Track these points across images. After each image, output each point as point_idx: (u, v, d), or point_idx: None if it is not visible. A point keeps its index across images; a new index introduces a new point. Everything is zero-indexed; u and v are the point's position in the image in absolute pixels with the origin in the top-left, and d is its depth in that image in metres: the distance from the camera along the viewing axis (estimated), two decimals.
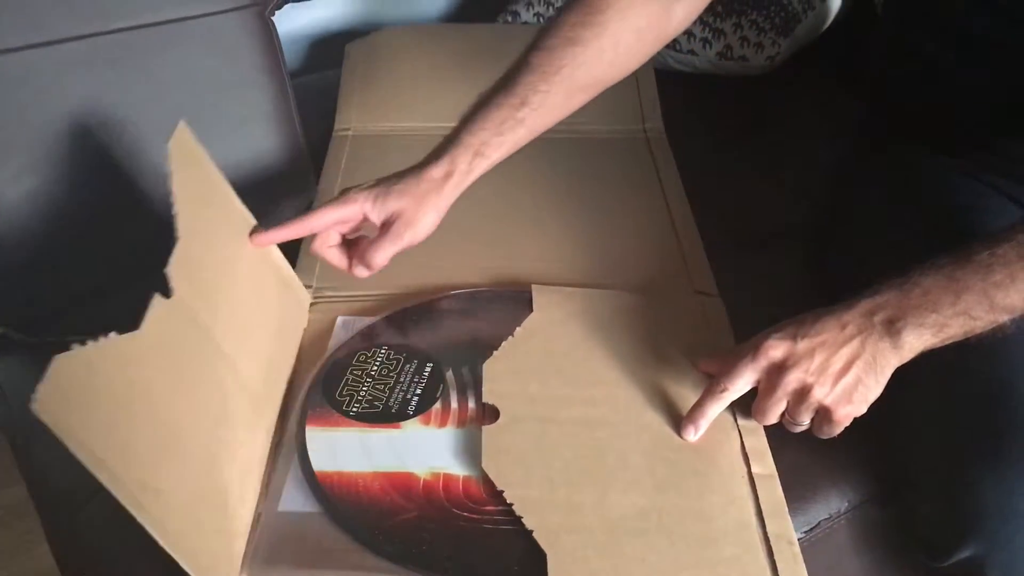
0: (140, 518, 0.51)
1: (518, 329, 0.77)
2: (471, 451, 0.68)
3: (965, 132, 0.86)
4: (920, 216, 0.84)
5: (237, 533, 0.62)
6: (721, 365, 0.70)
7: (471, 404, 0.72)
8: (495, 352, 0.75)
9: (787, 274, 0.93)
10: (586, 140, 1.08)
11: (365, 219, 0.76)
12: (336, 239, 0.78)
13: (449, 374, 0.75)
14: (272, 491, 0.66)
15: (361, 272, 0.77)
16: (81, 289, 0.82)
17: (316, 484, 0.65)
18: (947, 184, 0.86)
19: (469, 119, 0.78)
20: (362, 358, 0.76)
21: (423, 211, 0.75)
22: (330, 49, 1.27)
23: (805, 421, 0.68)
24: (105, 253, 0.89)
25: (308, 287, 0.83)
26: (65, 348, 0.48)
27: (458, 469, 0.67)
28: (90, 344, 0.49)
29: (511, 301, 0.83)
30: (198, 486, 0.58)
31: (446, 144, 0.78)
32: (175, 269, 0.60)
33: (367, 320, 0.81)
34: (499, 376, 0.73)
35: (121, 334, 0.52)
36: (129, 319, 0.53)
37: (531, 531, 0.62)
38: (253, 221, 0.75)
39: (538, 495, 0.64)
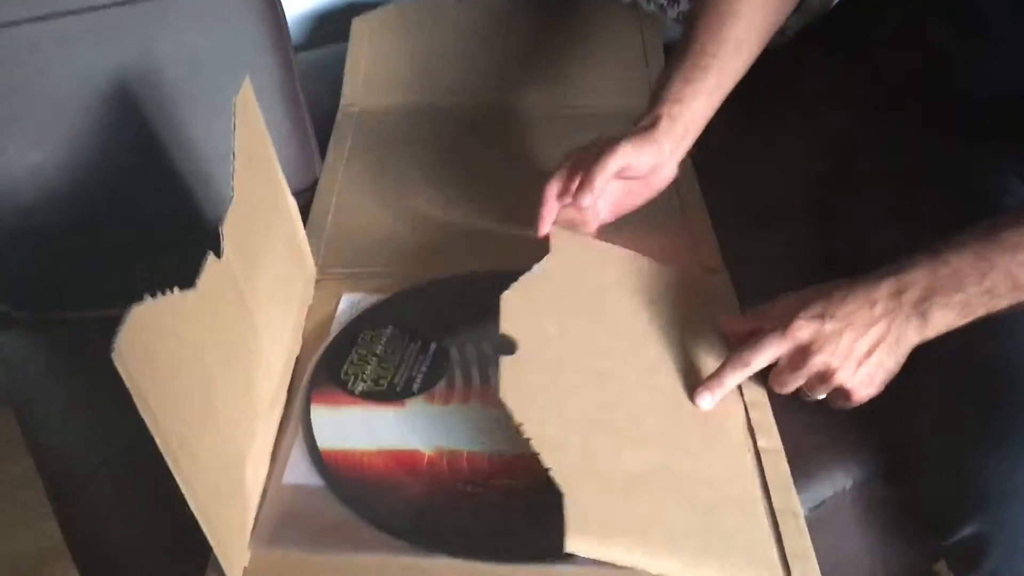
0: (177, 477, 0.51)
1: (536, 266, 0.75)
2: (475, 428, 0.68)
3: (972, 116, 0.86)
4: (926, 194, 0.83)
5: (249, 505, 0.62)
6: (746, 334, 0.70)
7: (475, 382, 0.72)
8: (512, 285, 0.72)
9: (794, 250, 0.93)
10: (594, 116, 1.07)
11: (579, 164, 0.79)
12: None
13: (454, 352, 0.74)
14: (277, 466, 0.66)
15: (583, 196, 0.76)
16: (81, 265, 0.82)
17: (320, 461, 0.66)
18: (953, 162, 0.85)
19: (660, 79, 0.83)
20: (368, 337, 0.76)
21: (634, 139, 0.77)
22: (336, 23, 1.26)
23: (822, 396, 0.68)
24: (106, 229, 0.88)
25: (313, 265, 0.83)
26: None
27: (462, 445, 0.67)
28: (159, 297, 0.50)
29: (514, 281, 0.82)
30: (223, 453, 0.58)
31: (649, 104, 0.82)
32: (227, 230, 0.60)
33: (372, 298, 0.80)
34: (516, 311, 0.70)
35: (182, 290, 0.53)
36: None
37: (548, 470, 0.59)
38: (287, 189, 0.76)
39: (554, 435, 0.62)
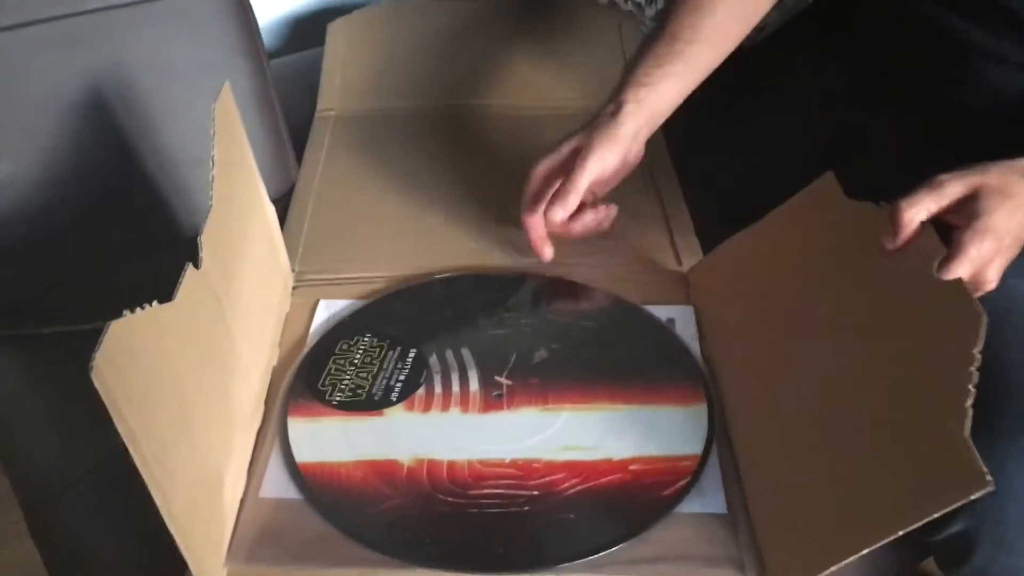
0: (154, 495, 0.49)
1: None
2: (455, 435, 0.67)
3: (969, 108, 0.85)
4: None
5: (226, 521, 0.61)
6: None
7: (455, 388, 0.71)
8: None
9: None
10: (572, 117, 1.05)
11: (551, 172, 0.82)
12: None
13: (433, 359, 0.74)
14: (255, 481, 0.65)
15: (555, 211, 0.78)
16: (55, 278, 0.81)
17: (298, 475, 0.64)
18: (945, 157, 0.84)
19: (628, 64, 0.83)
20: (344, 347, 0.75)
21: (597, 143, 0.78)
22: (312, 28, 1.25)
23: None
24: (80, 240, 0.88)
25: (291, 271, 0.82)
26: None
27: (442, 454, 0.66)
28: (138, 312, 0.49)
29: (494, 285, 0.82)
30: (201, 469, 0.57)
31: (613, 90, 0.82)
32: (206, 239, 0.59)
33: (349, 304, 0.79)
34: None
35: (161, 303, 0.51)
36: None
37: None
38: (266, 195, 0.75)
39: None
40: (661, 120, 0.83)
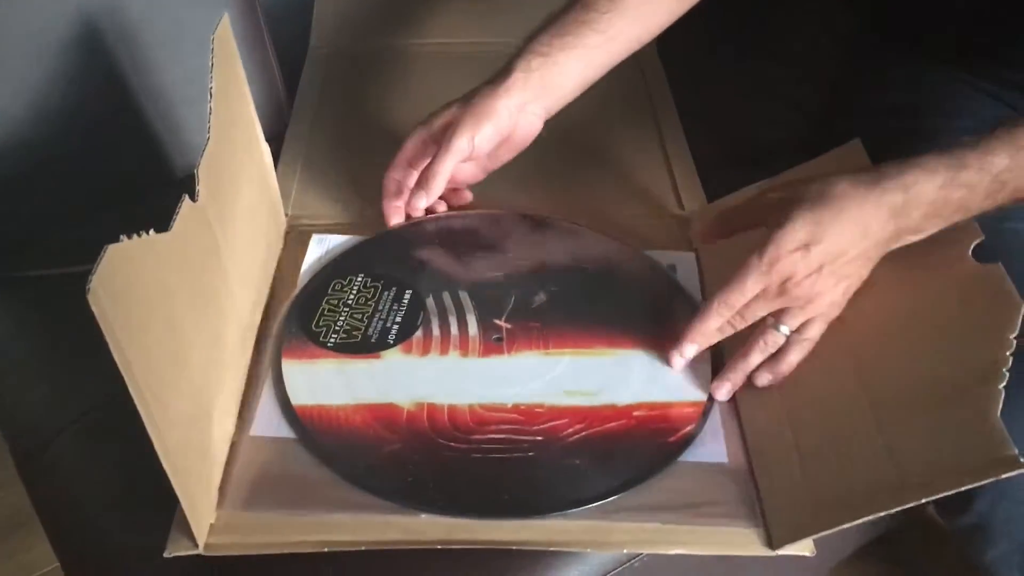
0: (147, 425, 0.48)
1: None
2: (455, 379, 0.66)
3: (969, 40, 0.83)
4: (920, 130, 0.81)
5: (217, 459, 0.60)
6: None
7: (453, 331, 0.70)
8: None
9: None
10: None
11: (424, 145, 0.76)
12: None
13: (429, 301, 0.72)
14: (248, 422, 0.64)
15: (417, 199, 0.75)
16: (45, 219, 0.79)
17: (295, 419, 0.63)
18: (948, 96, 0.82)
19: (532, 31, 0.75)
20: (337, 287, 0.73)
21: (469, 120, 0.72)
22: None
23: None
24: (71, 181, 0.86)
25: (284, 214, 0.81)
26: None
27: (442, 398, 0.65)
28: (135, 238, 0.47)
29: (490, 224, 0.80)
30: (194, 402, 0.56)
31: (510, 57, 0.75)
32: (202, 173, 0.57)
33: (342, 240, 0.78)
34: None
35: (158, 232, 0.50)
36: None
37: None
38: (261, 133, 0.74)
39: None
40: (563, 95, 0.76)
